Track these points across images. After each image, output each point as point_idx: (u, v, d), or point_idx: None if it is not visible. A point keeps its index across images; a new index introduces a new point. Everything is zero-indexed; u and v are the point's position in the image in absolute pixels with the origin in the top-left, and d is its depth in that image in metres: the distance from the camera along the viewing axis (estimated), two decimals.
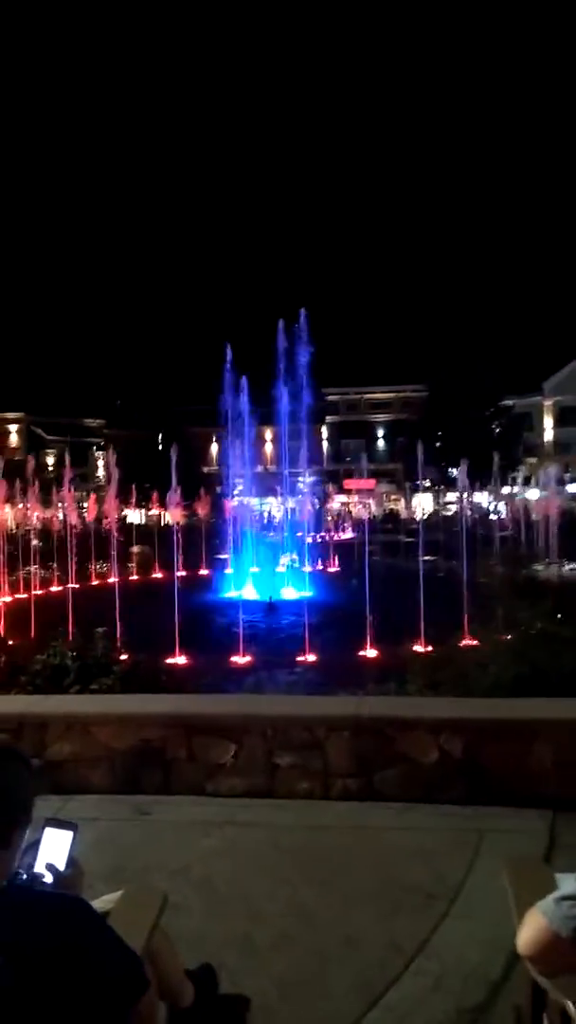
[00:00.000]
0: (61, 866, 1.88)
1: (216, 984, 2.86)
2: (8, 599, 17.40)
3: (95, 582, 21.71)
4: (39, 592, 18.35)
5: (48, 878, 1.84)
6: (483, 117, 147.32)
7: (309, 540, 26.75)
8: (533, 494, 55.71)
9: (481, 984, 2.96)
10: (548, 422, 58.67)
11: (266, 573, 21.57)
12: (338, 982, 3.03)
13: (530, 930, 1.84)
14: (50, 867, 1.86)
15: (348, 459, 65.82)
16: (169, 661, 10.00)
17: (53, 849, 1.90)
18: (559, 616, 8.05)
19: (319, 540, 31.49)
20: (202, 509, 35.25)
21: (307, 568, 21.41)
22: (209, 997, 2.75)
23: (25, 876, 1.78)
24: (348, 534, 37.38)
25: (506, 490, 56.02)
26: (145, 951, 2.13)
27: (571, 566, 20.16)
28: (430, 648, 9.75)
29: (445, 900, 3.59)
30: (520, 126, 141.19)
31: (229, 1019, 2.79)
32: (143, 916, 2.32)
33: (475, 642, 9.19)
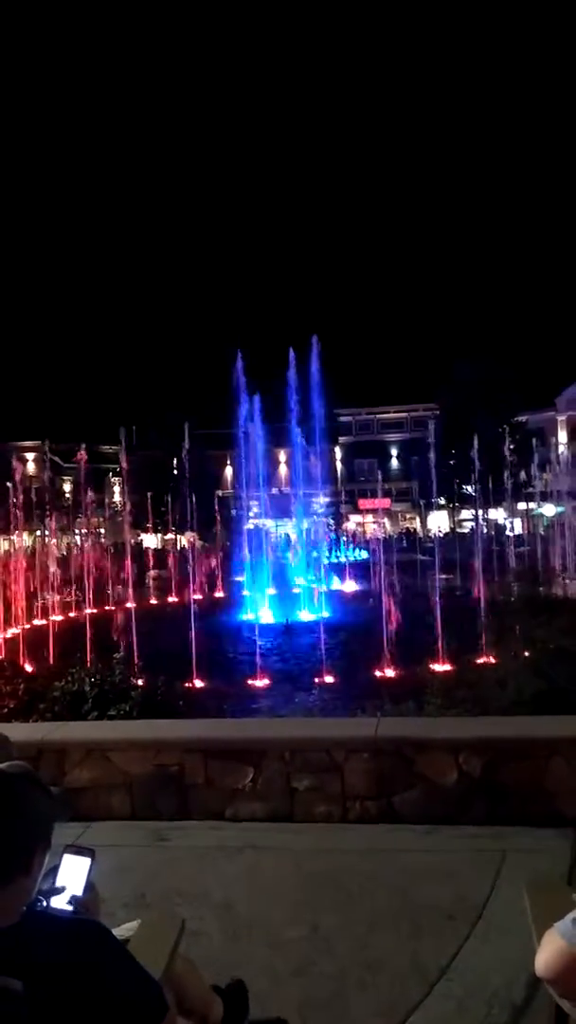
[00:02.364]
0: (80, 892, 1.90)
1: (247, 999, 2.86)
2: (27, 626, 17.45)
3: (112, 607, 21.77)
4: (57, 618, 18.43)
5: (67, 904, 1.86)
6: (490, 135, 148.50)
7: (325, 561, 26.74)
8: (549, 510, 55.48)
9: (505, 1007, 2.93)
10: (562, 437, 58.47)
11: (282, 595, 21.54)
12: (360, 1006, 3.01)
13: (548, 951, 1.84)
14: (72, 898, 1.89)
15: (362, 479, 65.90)
16: (186, 685, 10.00)
17: (72, 875, 1.93)
18: None
19: (335, 561, 31.43)
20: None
21: (323, 589, 21.35)
22: (241, 1013, 2.75)
23: (44, 902, 1.80)
24: (363, 554, 37.24)
25: (521, 506, 55.78)
26: (165, 976, 2.14)
27: None
28: (448, 667, 9.70)
29: (468, 922, 3.56)
30: (528, 143, 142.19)
31: None
32: (162, 942, 2.33)
33: (493, 660, 9.15)
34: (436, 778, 4.78)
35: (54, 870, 1.91)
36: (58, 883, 1.90)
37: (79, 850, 1.98)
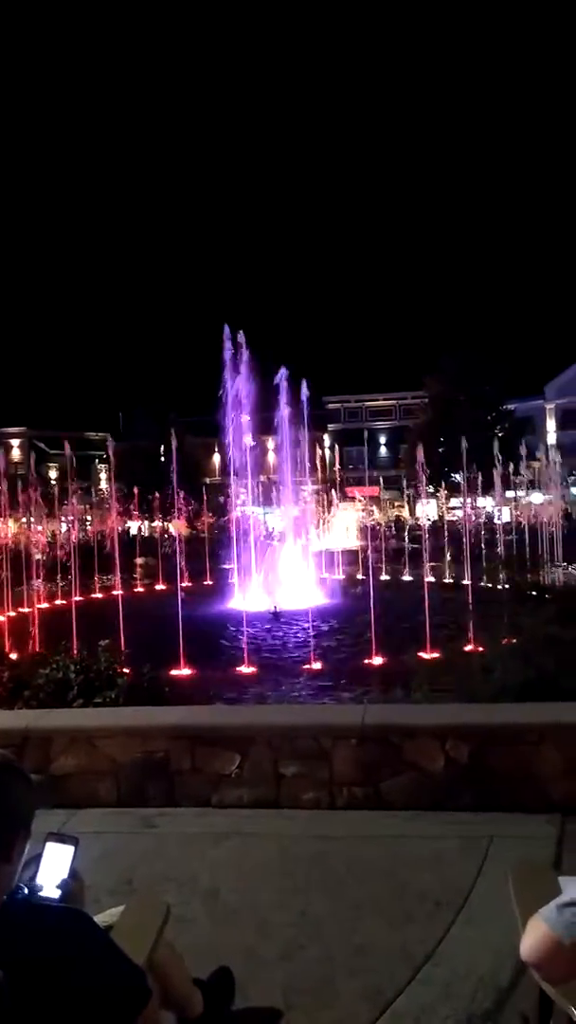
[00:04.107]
0: (64, 878, 1.88)
1: (233, 987, 2.85)
2: (12, 613, 17.37)
3: (99, 595, 21.71)
4: (42, 606, 18.35)
5: (50, 892, 1.84)
6: (483, 123, 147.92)
7: (313, 548, 26.72)
8: (537, 498, 55.68)
9: (490, 991, 2.94)
10: (551, 425, 58.70)
11: (270, 582, 21.54)
12: (347, 990, 3.01)
13: (532, 937, 1.83)
14: (59, 882, 1.87)
15: (351, 466, 65.86)
16: (173, 673, 9.99)
17: (55, 863, 1.91)
18: (563, 620, 8.02)
19: (323, 548, 31.41)
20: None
21: (311, 576, 21.38)
22: (224, 1004, 2.73)
23: (26, 890, 1.78)
24: (352, 542, 37.24)
25: (510, 494, 55.92)
26: (149, 963, 2.12)
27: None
28: (436, 655, 9.73)
29: (454, 907, 3.57)
30: (520, 133, 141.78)
31: None
32: (146, 928, 2.31)
33: (481, 648, 9.18)
34: (423, 764, 4.79)
35: (37, 858, 1.89)
36: (41, 871, 1.88)
37: (62, 838, 1.96)
